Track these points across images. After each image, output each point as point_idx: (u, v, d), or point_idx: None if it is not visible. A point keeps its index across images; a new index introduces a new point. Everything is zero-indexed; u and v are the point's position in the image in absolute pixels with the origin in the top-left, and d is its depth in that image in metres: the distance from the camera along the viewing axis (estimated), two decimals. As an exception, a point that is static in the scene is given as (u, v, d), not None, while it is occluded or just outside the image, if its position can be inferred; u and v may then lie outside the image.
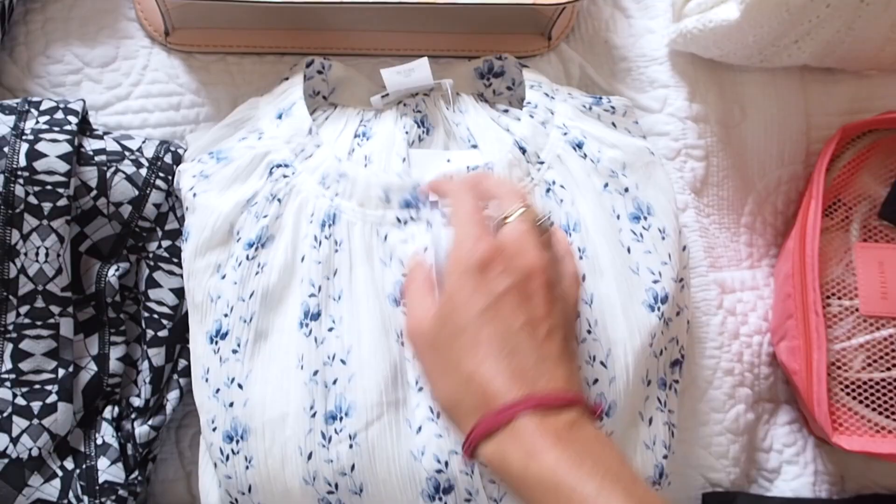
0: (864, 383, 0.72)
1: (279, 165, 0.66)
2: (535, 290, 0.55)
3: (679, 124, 0.79)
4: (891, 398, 0.71)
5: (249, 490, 0.62)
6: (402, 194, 0.66)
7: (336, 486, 0.61)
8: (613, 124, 0.72)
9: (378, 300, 0.64)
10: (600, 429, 0.54)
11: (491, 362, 0.53)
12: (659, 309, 0.66)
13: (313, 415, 0.61)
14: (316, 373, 0.62)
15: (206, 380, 0.64)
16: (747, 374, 0.77)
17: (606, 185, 0.69)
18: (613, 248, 0.67)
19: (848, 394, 0.72)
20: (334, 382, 0.62)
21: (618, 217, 0.68)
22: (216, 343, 0.64)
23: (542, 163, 0.69)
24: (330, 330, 0.63)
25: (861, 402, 0.72)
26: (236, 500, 0.63)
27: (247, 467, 0.62)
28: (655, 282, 0.67)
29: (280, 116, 0.69)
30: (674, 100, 0.79)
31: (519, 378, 0.52)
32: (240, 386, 0.63)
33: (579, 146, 0.69)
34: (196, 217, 0.66)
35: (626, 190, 0.69)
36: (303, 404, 0.61)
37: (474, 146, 0.71)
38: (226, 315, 0.64)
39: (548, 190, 0.68)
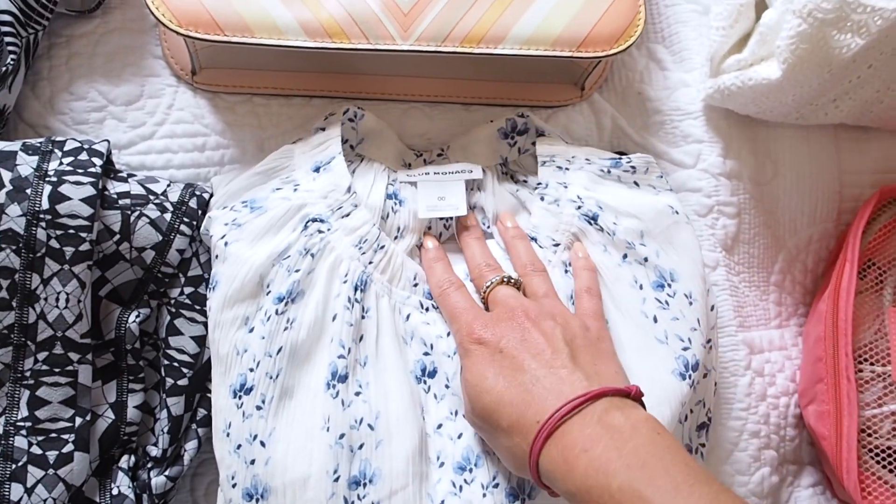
0: (889, 449, 0.71)
1: (314, 220, 0.65)
2: (526, 329, 0.60)
3: (712, 181, 0.77)
4: (921, 468, 0.70)
5: None
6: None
7: None
8: (636, 183, 0.71)
9: (403, 371, 0.63)
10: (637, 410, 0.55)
11: (516, 406, 0.56)
12: (690, 377, 0.65)
13: (336, 479, 0.59)
14: (342, 436, 0.60)
15: (228, 434, 0.62)
16: (773, 436, 0.76)
17: (625, 255, 0.68)
18: (636, 321, 0.67)
19: (877, 461, 0.71)
20: (360, 447, 0.61)
21: (640, 287, 0.67)
22: (240, 398, 0.62)
23: (557, 245, 0.69)
24: (357, 394, 0.62)
25: (889, 469, 0.71)
26: None
27: None
28: (685, 349, 0.66)
29: (317, 170, 0.68)
30: (707, 155, 0.78)
31: (540, 405, 0.55)
32: (262, 444, 0.61)
33: (594, 219, 0.68)
34: (226, 267, 0.64)
35: (646, 259, 0.68)
36: (326, 467, 0.59)
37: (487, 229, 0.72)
38: (251, 370, 0.62)
39: (566, 270, 0.68)
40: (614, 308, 0.66)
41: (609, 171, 0.70)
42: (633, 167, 0.71)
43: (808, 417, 0.75)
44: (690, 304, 0.66)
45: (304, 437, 0.60)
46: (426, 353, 0.65)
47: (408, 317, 0.66)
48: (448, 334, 0.66)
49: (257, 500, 0.60)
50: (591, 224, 0.68)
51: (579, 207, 0.69)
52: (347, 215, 0.66)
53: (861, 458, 0.71)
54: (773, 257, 0.80)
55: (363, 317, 0.64)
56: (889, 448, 0.71)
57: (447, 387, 0.64)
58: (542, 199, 0.70)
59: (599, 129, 0.78)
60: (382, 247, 0.66)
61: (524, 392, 0.56)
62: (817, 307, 0.76)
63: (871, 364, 0.72)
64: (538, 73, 0.76)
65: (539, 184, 0.70)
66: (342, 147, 0.71)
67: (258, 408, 0.61)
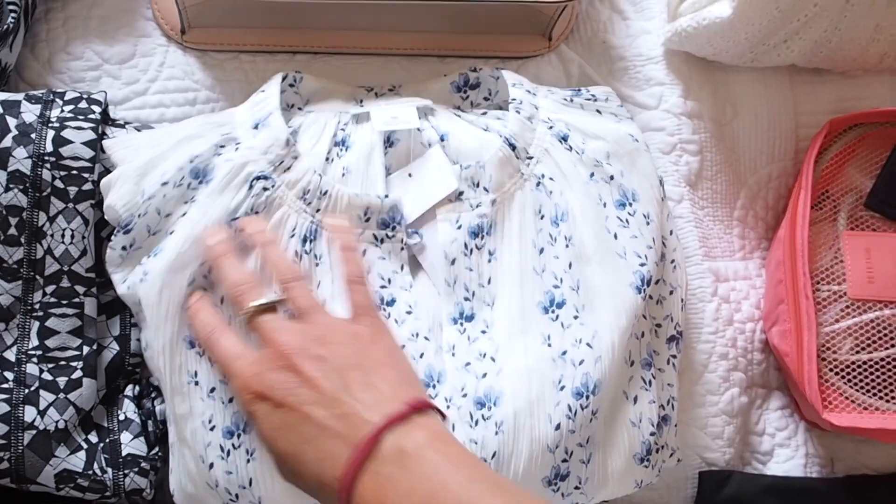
0: (852, 364, 0.75)
1: (259, 178, 0.67)
2: (298, 370, 0.57)
3: (674, 120, 0.82)
4: (876, 378, 0.74)
5: (250, 483, 0.64)
6: (380, 215, 0.69)
7: None
8: (598, 111, 0.76)
9: None
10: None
11: (315, 465, 0.55)
12: (644, 291, 0.70)
13: None
14: None
15: (196, 383, 0.65)
16: (741, 359, 0.80)
17: (592, 174, 0.72)
18: (600, 235, 0.71)
19: (837, 374, 0.75)
20: None
21: (604, 205, 0.72)
22: (200, 347, 0.65)
23: (531, 158, 0.72)
24: None
25: (849, 383, 0.75)
26: (236, 496, 0.65)
27: (248, 460, 0.64)
28: (642, 265, 0.70)
29: (256, 126, 0.70)
30: (669, 97, 0.83)
31: (334, 459, 0.54)
32: None
33: (564, 139, 0.73)
34: (175, 234, 0.66)
35: (612, 178, 0.72)
36: None
37: (442, 137, 0.73)
38: None
39: (538, 184, 0.72)
40: (583, 221, 0.70)
41: (572, 100, 0.75)
42: (593, 96, 0.76)
43: (773, 338, 0.79)
44: (648, 223, 0.71)
45: None
46: (383, 286, 0.69)
47: (364, 252, 0.69)
48: (403, 267, 0.70)
49: (238, 436, 0.64)
50: (561, 143, 0.72)
51: (550, 128, 0.73)
52: (289, 169, 0.68)
53: (823, 374, 0.75)
54: (735, 193, 0.84)
55: (317, 265, 0.67)
56: (850, 363, 0.75)
57: (408, 312, 0.68)
58: (517, 111, 0.73)
59: (567, 76, 0.83)
60: (325, 192, 0.68)
61: (317, 449, 0.55)
62: (778, 234, 0.81)
63: (828, 284, 0.77)
64: (506, 23, 0.81)
65: (513, 100, 0.73)
66: (291, 111, 0.74)
67: None
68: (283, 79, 0.73)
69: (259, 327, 0.60)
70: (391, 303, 0.69)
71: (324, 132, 0.72)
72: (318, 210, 0.68)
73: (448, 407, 0.65)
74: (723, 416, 0.79)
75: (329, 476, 0.54)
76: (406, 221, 0.70)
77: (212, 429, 0.65)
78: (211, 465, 0.65)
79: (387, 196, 0.70)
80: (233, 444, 0.64)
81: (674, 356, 0.73)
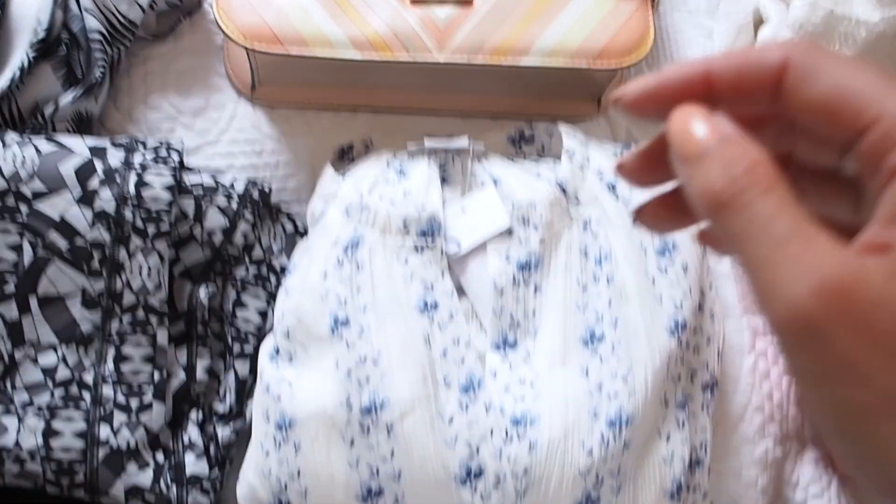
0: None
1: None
2: None
3: (716, 180, 0.86)
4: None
5: (298, 474, 0.69)
6: (419, 225, 0.73)
7: (377, 471, 0.68)
8: None
9: (402, 311, 0.71)
10: None
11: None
12: (678, 335, 0.73)
13: (350, 408, 0.68)
14: (350, 372, 0.69)
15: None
16: (776, 412, 0.83)
17: None
18: (640, 278, 0.74)
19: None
20: (367, 380, 0.69)
21: (645, 251, 0.75)
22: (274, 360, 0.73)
23: (579, 202, 0.76)
24: (360, 335, 0.70)
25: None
26: (286, 485, 0.69)
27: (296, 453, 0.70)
28: (677, 310, 0.74)
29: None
30: (712, 159, 0.87)
31: None
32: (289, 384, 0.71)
33: (613, 188, 0.77)
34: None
35: None
36: (340, 399, 0.68)
37: (495, 181, 0.77)
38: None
39: (585, 226, 0.76)
40: (624, 264, 0.74)
41: (622, 153, 0.79)
42: None
43: (807, 392, 0.82)
44: (685, 272, 0.75)
45: (322, 376, 0.70)
46: (426, 290, 0.73)
47: (406, 260, 0.73)
48: (444, 274, 0.73)
49: (286, 430, 0.69)
50: (609, 191, 0.76)
51: (601, 178, 0.77)
52: (336, 195, 0.75)
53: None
54: (773, 251, 0.88)
55: (358, 269, 0.72)
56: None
57: (451, 317, 0.72)
58: (570, 160, 0.76)
59: (615, 139, 0.88)
60: (366, 206, 0.73)
61: None
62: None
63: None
64: (559, 88, 0.86)
65: (567, 149, 0.77)
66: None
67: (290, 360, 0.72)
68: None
69: None
70: (434, 306, 0.72)
71: (378, 162, 0.78)
72: (359, 222, 0.73)
73: (487, 413, 0.69)
74: (757, 467, 0.81)
75: None
76: (445, 232, 0.74)
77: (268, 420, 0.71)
78: (267, 453, 0.70)
79: (423, 209, 0.74)
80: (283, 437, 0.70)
81: (708, 403, 0.76)
